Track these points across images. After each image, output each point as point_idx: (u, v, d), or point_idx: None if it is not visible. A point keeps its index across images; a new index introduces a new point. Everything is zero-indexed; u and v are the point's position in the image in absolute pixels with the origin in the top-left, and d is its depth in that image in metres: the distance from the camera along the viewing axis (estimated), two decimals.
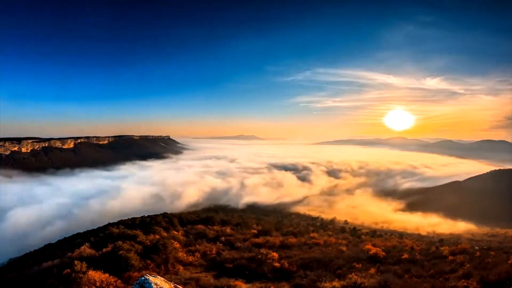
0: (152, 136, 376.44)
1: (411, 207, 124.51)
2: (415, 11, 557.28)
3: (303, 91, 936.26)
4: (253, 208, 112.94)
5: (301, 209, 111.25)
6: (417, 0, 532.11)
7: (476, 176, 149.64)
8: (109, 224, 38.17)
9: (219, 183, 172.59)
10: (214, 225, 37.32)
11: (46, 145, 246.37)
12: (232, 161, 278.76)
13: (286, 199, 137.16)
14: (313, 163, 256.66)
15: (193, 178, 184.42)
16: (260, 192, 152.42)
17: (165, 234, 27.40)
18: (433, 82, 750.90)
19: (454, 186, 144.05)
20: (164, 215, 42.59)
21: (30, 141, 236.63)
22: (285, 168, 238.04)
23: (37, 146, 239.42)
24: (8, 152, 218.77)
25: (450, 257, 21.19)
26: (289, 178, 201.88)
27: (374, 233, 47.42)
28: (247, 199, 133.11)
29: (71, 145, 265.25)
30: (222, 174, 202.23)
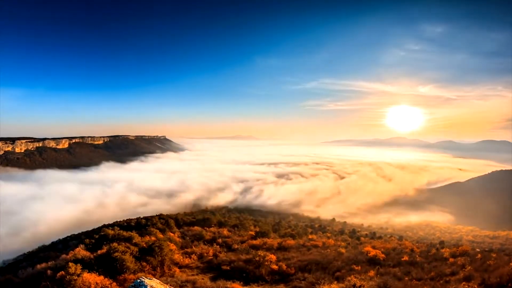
0: (148, 136, 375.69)
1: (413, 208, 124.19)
2: (405, 41, 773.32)
3: (309, 96, 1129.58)
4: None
5: None
6: (407, 32, 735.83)
7: (478, 177, 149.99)
8: (104, 226, 37.75)
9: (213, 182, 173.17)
10: (211, 226, 36.99)
11: (40, 145, 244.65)
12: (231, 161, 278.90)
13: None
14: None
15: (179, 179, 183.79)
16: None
17: (161, 235, 27.04)
18: (426, 90, 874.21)
19: (455, 187, 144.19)
20: (160, 216, 42.20)
21: (24, 141, 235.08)
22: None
23: (31, 146, 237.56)
24: (1, 152, 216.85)
25: (451, 259, 21.04)
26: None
27: (374, 235, 47.23)
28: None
29: (66, 145, 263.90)
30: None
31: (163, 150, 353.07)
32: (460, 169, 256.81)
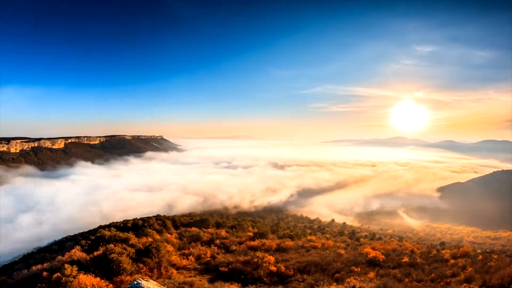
0: (145, 136, 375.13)
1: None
2: (399, 58, 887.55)
3: (312, 100, 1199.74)
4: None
5: None
6: (400, 51, 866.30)
7: (479, 177, 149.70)
8: (101, 227, 37.41)
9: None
10: (209, 227, 36.72)
11: (36, 145, 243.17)
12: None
13: None
14: None
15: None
16: None
17: (158, 237, 26.76)
18: (421, 94, 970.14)
19: (456, 188, 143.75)
20: (157, 217, 41.91)
21: (19, 141, 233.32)
22: None
23: (26, 146, 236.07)
24: None
25: (452, 261, 20.92)
26: None
27: (373, 236, 47.09)
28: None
29: (62, 145, 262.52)
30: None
31: (160, 150, 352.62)
32: (461, 169, 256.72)
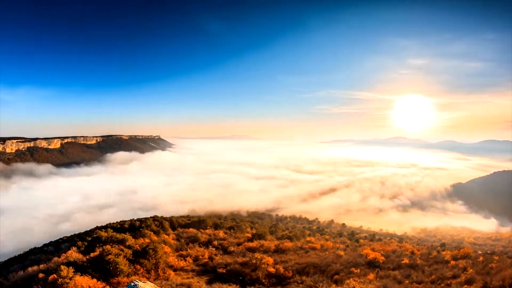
0: (142, 136, 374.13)
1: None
2: (396, 68, 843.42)
3: (315, 102, 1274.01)
4: None
5: None
6: (396, 62, 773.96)
7: (480, 177, 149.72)
8: (97, 228, 37.19)
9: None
10: (206, 228, 36.51)
11: (32, 145, 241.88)
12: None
13: None
14: None
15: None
16: None
17: (155, 238, 26.53)
18: (420, 96, 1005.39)
19: (457, 188, 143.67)
20: (155, 218, 41.71)
21: (15, 141, 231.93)
22: None
23: (22, 146, 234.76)
24: None
25: (452, 262, 20.82)
26: None
27: (373, 237, 47.00)
28: None
29: (58, 145, 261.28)
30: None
31: (157, 150, 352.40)
32: (462, 169, 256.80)
